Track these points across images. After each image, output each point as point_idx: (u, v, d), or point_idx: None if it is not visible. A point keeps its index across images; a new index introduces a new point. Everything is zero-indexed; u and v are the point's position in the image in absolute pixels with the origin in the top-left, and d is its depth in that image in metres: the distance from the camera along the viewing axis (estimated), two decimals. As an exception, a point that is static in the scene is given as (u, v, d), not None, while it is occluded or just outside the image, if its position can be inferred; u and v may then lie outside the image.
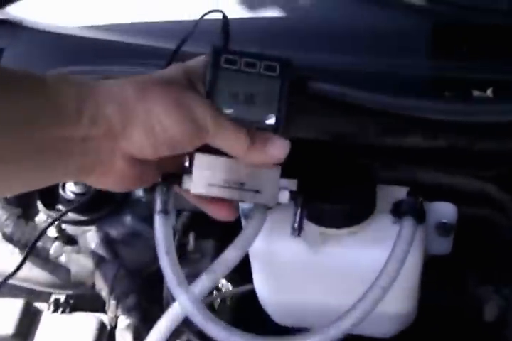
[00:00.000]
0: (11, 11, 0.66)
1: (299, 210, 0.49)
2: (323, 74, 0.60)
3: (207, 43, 0.46)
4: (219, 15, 0.50)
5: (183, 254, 0.79)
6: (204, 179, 0.45)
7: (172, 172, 0.47)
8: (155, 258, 0.45)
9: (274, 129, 0.45)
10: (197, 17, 0.52)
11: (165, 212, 0.46)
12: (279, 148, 0.44)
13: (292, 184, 0.47)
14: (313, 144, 0.62)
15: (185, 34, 0.52)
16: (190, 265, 0.76)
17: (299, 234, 0.50)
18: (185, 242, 0.80)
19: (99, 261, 0.77)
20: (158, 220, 0.46)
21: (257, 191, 0.46)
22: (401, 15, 0.65)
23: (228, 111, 0.44)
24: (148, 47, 0.64)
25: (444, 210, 0.59)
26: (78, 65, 0.61)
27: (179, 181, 0.46)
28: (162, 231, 0.46)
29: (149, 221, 0.54)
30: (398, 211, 0.56)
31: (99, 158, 0.40)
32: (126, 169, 0.42)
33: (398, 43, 0.64)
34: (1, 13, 0.65)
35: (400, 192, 0.58)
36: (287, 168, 0.47)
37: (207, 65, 0.45)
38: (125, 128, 0.39)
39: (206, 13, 0.52)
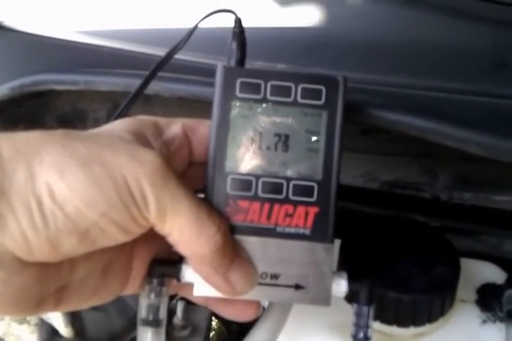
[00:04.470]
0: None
1: (366, 309, 0.30)
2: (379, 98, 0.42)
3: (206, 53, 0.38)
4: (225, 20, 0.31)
5: (167, 328, 0.60)
6: None
7: (164, 257, 0.29)
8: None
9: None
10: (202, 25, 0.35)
11: (155, 323, 0.29)
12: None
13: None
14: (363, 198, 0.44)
15: (185, 40, 0.35)
16: (176, 346, 0.57)
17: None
18: (172, 309, 0.61)
19: (47, 337, 0.56)
20: (144, 337, 0.29)
21: (299, 286, 0.28)
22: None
23: (244, 168, 0.28)
24: (141, 55, 0.49)
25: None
26: (60, 72, 0.49)
27: (176, 273, 0.29)
28: None
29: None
30: (487, 301, 0.38)
31: None
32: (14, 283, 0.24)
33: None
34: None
35: (486, 271, 0.42)
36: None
37: (215, 93, 0.29)
38: None
39: (212, 13, 0.32)
